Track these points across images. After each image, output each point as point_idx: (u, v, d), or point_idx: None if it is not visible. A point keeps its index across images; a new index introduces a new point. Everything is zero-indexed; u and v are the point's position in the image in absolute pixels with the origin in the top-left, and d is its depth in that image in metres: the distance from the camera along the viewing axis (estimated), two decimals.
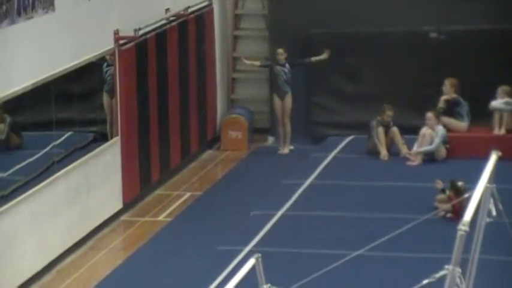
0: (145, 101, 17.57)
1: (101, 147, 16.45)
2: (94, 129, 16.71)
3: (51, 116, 15.28)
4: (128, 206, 17.22)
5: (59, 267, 14.80)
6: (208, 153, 20.40)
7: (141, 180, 17.58)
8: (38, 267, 14.40)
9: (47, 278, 14.46)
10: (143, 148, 17.54)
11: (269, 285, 8.99)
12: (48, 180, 14.77)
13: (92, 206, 16.00)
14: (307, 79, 20.52)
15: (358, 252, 9.73)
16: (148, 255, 15.07)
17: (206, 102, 20.41)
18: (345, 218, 15.84)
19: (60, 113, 15.48)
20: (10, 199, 13.87)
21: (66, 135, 15.69)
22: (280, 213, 16.20)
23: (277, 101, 19.73)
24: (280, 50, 19.68)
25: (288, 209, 16.41)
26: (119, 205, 16.98)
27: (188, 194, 17.99)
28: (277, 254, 13.39)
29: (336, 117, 20.49)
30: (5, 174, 14.00)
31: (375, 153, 18.98)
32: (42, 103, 14.87)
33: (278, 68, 19.63)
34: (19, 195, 14.07)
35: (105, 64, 16.66)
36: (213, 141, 20.82)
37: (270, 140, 20.76)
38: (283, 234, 15.38)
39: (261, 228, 15.48)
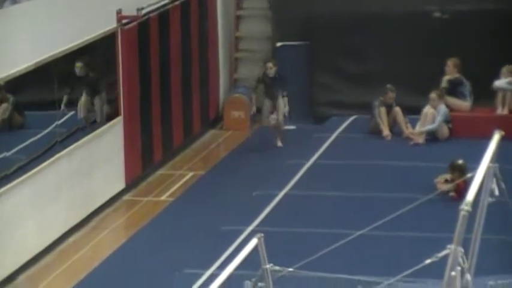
0: (147, 80, 17.60)
1: (104, 127, 16.49)
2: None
3: (53, 95, 15.32)
4: (130, 186, 17.27)
5: (61, 247, 14.87)
6: (210, 133, 20.45)
7: (144, 160, 17.63)
8: (40, 248, 14.46)
9: (49, 258, 14.51)
10: (145, 128, 17.58)
11: (271, 264, 9.03)
12: (50, 160, 14.82)
13: (94, 186, 16.05)
14: (311, 59, 20.53)
15: (361, 232, 9.75)
16: (150, 235, 15.14)
17: (208, 82, 20.43)
18: (347, 197, 15.88)
19: (63, 92, 15.53)
20: (13, 179, 13.93)
21: (68, 115, 15.72)
22: (283, 193, 16.24)
23: (266, 102, 19.32)
24: (270, 64, 19.29)
25: (291, 189, 16.45)
26: (121, 185, 17.03)
27: (191, 174, 18.03)
28: (279, 234, 13.42)
29: (338, 97, 20.50)
30: (8, 154, 14.04)
31: (377, 133, 18.99)
32: (45, 83, 14.90)
33: (268, 80, 19.21)
34: (22, 174, 14.12)
35: (78, 77, 16.05)
36: (215, 120, 20.86)
37: (273, 119, 20.77)
38: (286, 214, 15.41)
39: (263, 208, 15.52)
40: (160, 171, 18.24)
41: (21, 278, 13.86)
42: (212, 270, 12.90)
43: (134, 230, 15.49)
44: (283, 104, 19.17)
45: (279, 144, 19.26)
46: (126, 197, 17.05)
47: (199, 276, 12.86)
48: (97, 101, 16.36)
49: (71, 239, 15.17)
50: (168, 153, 18.62)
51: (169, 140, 18.55)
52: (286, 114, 19.30)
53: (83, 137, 15.82)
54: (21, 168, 14.18)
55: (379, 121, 19.03)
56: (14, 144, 14.28)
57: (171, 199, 16.87)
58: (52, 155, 14.87)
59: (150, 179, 17.91)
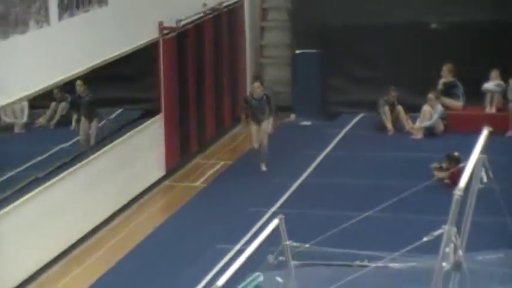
0: (184, 82, 17.61)
1: (147, 122, 16.52)
2: (141, 106, 16.76)
3: (104, 95, 15.36)
4: (169, 172, 17.29)
5: (108, 227, 14.86)
6: (238, 128, 20.42)
7: (181, 150, 17.65)
8: (91, 226, 14.48)
9: (96, 236, 14.53)
10: (183, 123, 17.60)
11: (290, 241, 9.04)
12: (102, 151, 14.84)
13: (139, 172, 16.08)
14: (324, 64, 20.49)
15: (367, 214, 9.75)
16: (186, 216, 15.15)
17: (237, 83, 20.42)
18: (355, 184, 15.86)
19: (112, 92, 15.56)
20: (70, 166, 13.97)
21: (117, 112, 15.75)
22: (299, 180, 16.25)
23: (253, 126, 17.03)
24: (257, 84, 17.06)
25: (307, 177, 16.46)
26: (162, 172, 17.05)
27: (221, 163, 18.03)
28: (297, 215, 13.42)
29: (348, 97, 20.45)
30: (66, 145, 14.09)
31: (381, 128, 18.99)
32: (97, 84, 14.93)
33: (254, 102, 16.86)
34: (76, 163, 14.16)
35: (77, 95, 15.21)
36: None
37: (292, 116, 20.76)
38: (303, 198, 15.42)
39: (283, 193, 15.53)
40: (195, 160, 18.25)
41: (75, 252, 13.90)
42: (240, 246, 12.91)
43: (172, 211, 15.51)
44: (268, 127, 16.93)
45: (263, 168, 16.93)
46: (166, 182, 17.07)
47: (229, 250, 12.88)
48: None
49: (117, 219, 15.19)
50: (202, 144, 18.64)
51: (203, 133, 18.56)
52: (269, 132, 17.02)
53: (129, 130, 15.84)
54: (76, 158, 14.22)
55: (383, 118, 19.02)
56: (71, 137, 14.33)
57: (204, 185, 16.88)
58: (102, 147, 14.91)
59: (187, 167, 17.92)
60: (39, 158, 13.35)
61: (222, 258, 12.60)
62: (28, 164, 13.11)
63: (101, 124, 15.08)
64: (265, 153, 16.97)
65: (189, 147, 18.03)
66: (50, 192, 13.34)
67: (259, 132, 16.85)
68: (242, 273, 8.34)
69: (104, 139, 15.00)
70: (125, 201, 15.55)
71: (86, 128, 14.74)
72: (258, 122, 16.81)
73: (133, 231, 14.61)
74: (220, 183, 16.82)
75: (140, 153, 16.11)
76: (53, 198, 13.40)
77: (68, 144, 14.09)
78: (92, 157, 14.47)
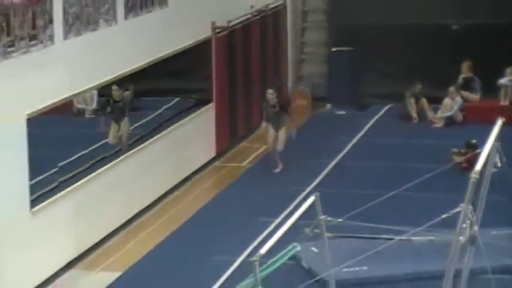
0: (233, 75, 17.63)
1: (200, 110, 16.57)
2: (195, 96, 16.81)
3: (163, 85, 15.42)
4: (219, 154, 17.34)
5: (165, 200, 14.93)
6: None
7: (230, 135, 17.69)
8: (151, 200, 14.56)
9: (156, 208, 14.59)
10: (232, 111, 17.64)
11: (325, 216, 9.05)
12: (160, 134, 14.92)
13: (192, 154, 16.15)
14: (356, 60, 20.43)
15: (393, 193, 9.73)
16: (233, 193, 15.18)
17: (280, 76, 20.41)
18: (384, 166, 15.81)
19: (170, 83, 15.62)
20: (132, 148, 14.05)
21: (174, 101, 15.81)
22: (333, 162, 16.24)
23: (271, 130, 15.88)
24: (270, 90, 15.81)
25: (341, 159, 16.44)
26: (212, 154, 17.11)
27: (265, 146, 18.05)
28: (331, 193, 13.39)
29: (377, 89, 20.36)
30: (130, 129, 14.17)
31: (407, 118, 18.92)
32: (157, 76, 15.00)
33: (269, 109, 15.77)
34: (139, 145, 14.24)
35: (112, 100, 13.99)
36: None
37: (328, 106, 20.71)
38: (337, 178, 15.40)
39: (320, 173, 15.51)
40: (242, 144, 18.27)
41: (138, 221, 13.99)
42: (280, 219, 12.93)
43: (221, 188, 15.56)
44: (283, 135, 15.80)
45: (278, 169, 15.82)
46: (216, 163, 17.12)
47: (271, 223, 12.90)
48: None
49: (175, 193, 15.26)
50: (248, 130, 18.66)
51: (249, 120, 18.58)
52: (283, 147, 15.84)
53: (184, 117, 15.90)
54: (139, 140, 14.30)
55: (409, 108, 18.96)
56: (134, 122, 14.40)
57: (249, 165, 16.91)
58: (160, 131, 14.98)
59: (234, 149, 17.95)
60: (107, 140, 13.44)
61: (265, 230, 12.62)
62: (97, 145, 13.21)
63: (157, 113, 15.14)
64: (277, 157, 15.80)
65: (237, 132, 18.06)
66: (115, 170, 13.44)
67: (275, 138, 15.77)
68: (282, 243, 8.34)
69: (162, 124, 15.06)
70: (180, 179, 15.62)
71: (115, 131, 13.82)
72: (275, 126, 15.75)
73: (188, 205, 14.68)
74: (264, 164, 16.84)
75: (193, 137, 16.17)
76: (118, 175, 13.50)
77: (131, 128, 14.17)
78: (151, 140, 14.54)
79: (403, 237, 9.91)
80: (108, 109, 13.69)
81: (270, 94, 15.69)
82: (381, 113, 19.70)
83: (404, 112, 19.04)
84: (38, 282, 11.49)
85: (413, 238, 11.25)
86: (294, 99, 20.62)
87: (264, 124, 15.92)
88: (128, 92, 14.28)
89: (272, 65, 19.76)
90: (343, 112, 20.16)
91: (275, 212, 13.37)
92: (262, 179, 15.78)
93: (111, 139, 13.74)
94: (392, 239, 10.14)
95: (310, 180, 15.07)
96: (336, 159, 16.38)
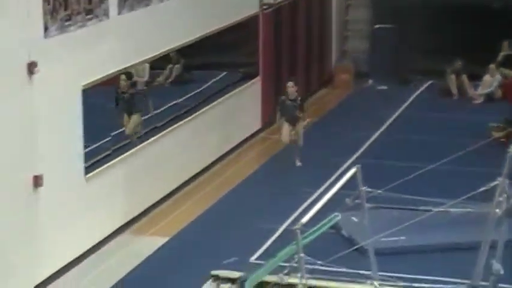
0: (279, 50, 17.61)
1: (247, 84, 16.60)
2: (242, 70, 16.83)
3: (211, 59, 15.46)
4: (264, 126, 17.36)
5: (213, 169, 14.99)
6: (324, 90, 20.39)
7: (275, 108, 17.66)
8: (197, 169, 14.64)
9: (204, 176, 14.67)
10: (277, 85, 17.63)
11: (365, 187, 9.05)
12: (208, 106, 14.97)
13: (239, 125, 16.20)
14: (398, 36, 20.29)
15: (433, 166, 9.71)
16: (277, 163, 15.21)
17: (324, 52, 20.34)
18: (424, 140, 15.74)
19: (218, 57, 15.65)
20: (181, 119, 14.13)
21: (222, 75, 15.85)
22: (376, 135, 16.20)
23: (286, 125, 14.64)
24: (291, 83, 14.55)
25: (382, 132, 16.39)
26: (258, 126, 17.14)
27: (308, 120, 18.02)
28: (372, 165, 13.36)
29: (419, 66, 20.21)
30: (179, 100, 14.25)
31: (448, 94, 18.78)
32: (206, 50, 15.04)
33: (288, 102, 14.49)
34: (188, 116, 14.31)
35: (120, 90, 12.78)
36: (328, 81, 20.78)
37: (370, 81, 20.61)
38: (377, 150, 15.36)
39: (362, 145, 15.49)
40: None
41: (186, 189, 14.08)
42: (322, 190, 12.95)
43: (266, 158, 15.61)
44: (301, 128, 14.69)
45: (298, 163, 14.61)
46: (262, 134, 17.16)
47: (313, 193, 12.93)
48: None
49: (222, 162, 15.32)
50: None
51: None
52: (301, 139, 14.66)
53: (231, 90, 15.93)
54: (187, 112, 14.37)
55: (449, 84, 18.82)
56: (184, 94, 14.47)
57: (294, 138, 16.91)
58: (209, 103, 15.03)
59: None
60: (158, 111, 13.54)
61: (307, 200, 12.65)
62: (148, 115, 13.31)
63: (206, 86, 15.18)
64: (299, 149, 14.70)
65: None
66: (165, 140, 13.54)
67: (291, 132, 14.60)
68: (323, 213, 8.37)
69: (210, 98, 15.10)
70: (226, 150, 15.68)
71: (126, 123, 12.71)
72: (292, 119, 14.44)
73: (233, 175, 14.75)
74: (307, 136, 16.84)
75: (240, 109, 16.21)
76: (167, 145, 13.60)
77: (181, 100, 14.24)
78: (199, 112, 14.60)
79: (441, 209, 9.89)
80: (117, 100, 12.57)
81: (291, 87, 14.40)
82: (422, 88, 19.57)
83: (445, 88, 18.90)
84: (91, 245, 11.65)
85: (451, 210, 11.21)
86: (337, 74, 20.62)
87: (280, 119, 14.61)
88: (178, 65, 14.34)
89: (317, 41, 19.70)
90: (385, 87, 20.06)
91: (317, 182, 13.39)
92: (305, 150, 15.79)
93: (126, 130, 12.72)
94: (430, 210, 10.12)
95: (351, 152, 15.04)
96: (377, 133, 16.33)
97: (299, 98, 14.52)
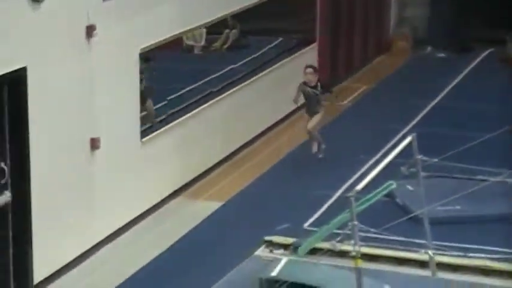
0: (336, 17, 17.53)
1: (303, 50, 16.55)
2: (297, 36, 16.78)
3: (268, 25, 15.44)
4: (320, 93, 17.27)
5: (265, 137, 14.96)
6: (381, 57, 20.26)
7: (331, 75, 17.65)
8: (247, 139, 14.63)
9: (253, 146, 14.59)
10: (333, 51, 17.58)
11: (421, 156, 9.02)
12: (263, 73, 14.97)
13: (294, 92, 16.14)
14: (458, 4, 20.04)
15: (491, 135, 9.64)
16: (334, 129, 15.18)
17: (382, 19, 20.18)
18: (481, 108, 15.57)
19: (275, 23, 15.62)
20: (237, 84, 14.16)
21: (278, 41, 15.82)
22: (433, 103, 16.08)
23: (306, 116, 13.66)
24: (309, 70, 13.24)
25: (440, 100, 16.28)
26: None
27: (364, 87, 17.99)
28: (428, 134, 13.28)
29: (479, 33, 19.95)
30: (235, 66, 14.27)
31: (508, 62, 18.55)
32: (262, 16, 15.02)
33: (309, 90, 13.18)
34: (244, 81, 14.33)
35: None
36: (385, 48, 20.63)
37: (429, 49, 20.42)
38: (434, 118, 15.26)
39: (418, 113, 15.38)
40: (343, 84, 18.22)
41: (234, 158, 14.12)
42: (377, 157, 12.91)
43: (323, 125, 15.58)
44: (320, 117, 13.45)
45: (318, 151, 13.46)
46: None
47: (368, 161, 12.89)
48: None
49: (273, 131, 15.31)
50: (349, 70, 18.58)
51: (350, 60, 18.50)
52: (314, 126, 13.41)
53: (287, 57, 15.90)
54: (243, 77, 14.40)
55: (510, 53, 18.60)
56: (240, 60, 14.49)
57: (350, 104, 16.89)
58: (265, 69, 15.03)
59: (335, 89, 17.88)
60: (213, 76, 13.59)
61: (362, 167, 12.63)
62: (205, 80, 13.37)
63: (262, 51, 15.17)
64: (317, 140, 13.51)
65: (338, 72, 18.00)
66: (219, 105, 13.59)
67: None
68: (378, 180, 8.36)
69: (265, 64, 15.10)
70: (281, 116, 15.69)
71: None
72: (311, 112, 13.29)
73: (287, 141, 14.77)
74: (363, 103, 16.80)
75: (295, 76, 16.16)
76: (222, 110, 13.65)
77: (237, 65, 14.27)
78: (256, 77, 14.61)
79: (498, 179, 9.81)
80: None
81: (309, 74, 13.07)
82: (481, 56, 19.33)
83: (505, 57, 18.65)
84: (145, 208, 11.80)
85: (508, 180, 11.12)
86: (395, 41, 20.47)
87: (298, 100, 13.40)
88: (235, 30, 14.37)
89: (375, 7, 19.54)
90: (443, 55, 19.86)
91: (373, 149, 13.34)
92: (362, 117, 15.75)
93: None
94: (487, 180, 10.06)
95: (407, 120, 14.95)
96: (435, 100, 16.19)
97: (319, 85, 13.14)
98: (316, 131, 13.41)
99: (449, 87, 17.08)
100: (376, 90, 17.62)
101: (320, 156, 13.39)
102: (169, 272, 10.09)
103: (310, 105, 13.24)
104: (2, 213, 9.36)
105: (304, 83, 13.10)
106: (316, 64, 16.81)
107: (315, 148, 13.38)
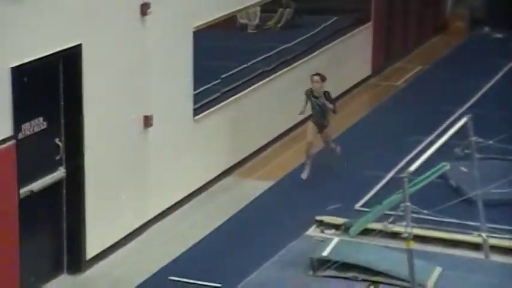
0: None
1: (358, 29, 16.47)
2: (353, 15, 16.69)
3: (323, 4, 15.38)
4: (374, 73, 17.26)
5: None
6: (437, 38, 20.08)
7: (386, 54, 17.55)
8: (300, 119, 14.56)
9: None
10: (388, 31, 17.47)
11: (476, 137, 8.94)
12: (318, 52, 14.94)
13: (348, 71, 16.14)
14: None
15: None
16: (386, 111, 15.14)
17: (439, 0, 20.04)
18: None
19: (330, 2, 15.56)
20: (291, 63, 14.15)
21: (332, 20, 15.75)
22: (489, 84, 15.90)
23: (310, 124, 12.22)
24: (316, 78, 12.08)
25: (497, 81, 16.10)
26: (368, 72, 17.04)
27: (419, 67, 17.86)
28: (484, 116, 13.15)
29: None
30: (289, 45, 14.24)
31: None
32: None
33: (313, 100, 12.07)
34: (298, 60, 14.31)
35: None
36: (442, 28, 20.43)
37: (486, 29, 20.16)
38: (490, 100, 15.09)
39: (474, 94, 15.23)
40: (397, 64, 18.12)
41: (288, 136, 14.14)
42: (431, 138, 12.82)
43: (375, 105, 15.55)
44: (331, 133, 12.34)
45: (303, 176, 11.97)
46: (371, 81, 17.07)
47: (422, 142, 12.81)
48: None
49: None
50: (404, 51, 18.46)
51: (405, 40, 18.36)
52: (337, 150, 12.40)
53: (342, 36, 15.83)
54: (297, 56, 14.36)
55: None
56: (294, 39, 14.46)
57: (403, 84, 16.78)
58: (319, 48, 15.00)
59: (390, 68, 17.83)
60: (267, 55, 13.58)
61: (415, 148, 12.55)
62: (258, 59, 13.37)
63: (316, 30, 15.12)
64: (333, 153, 12.38)
65: (393, 52, 17.89)
66: (273, 83, 13.61)
67: (318, 135, 12.22)
68: (431, 161, 8.31)
69: (319, 43, 15.05)
70: (337, 94, 15.61)
71: None
72: (318, 124, 12.13)
73: (341, 120, 14.70)
74: (417, 83, 16.69)
75: (350, 55, 16.12)
76: (275, 88, 13.67)
77: (291, 44, 14.24)
78: (309, 56, 14.58)
79: None
80: None
81: (316, 82, 12.02)
82: None
83: None
84: (197, 186, 11.88)
85: None
86: (452, 21, 20.26)
87: (305, 110, 12.24)
88: (289, 9, 14.33)
89: None
90: (501, 36, 19.59)
91: (426, 130, 13.25)
92: (415, 98, 15.66)
93: None
94: None
95: (462, 101, 14.81)
96: (490, 83, 16.00)
97: (324, 95, 12.02)
98: (330, 144, 12.25)
99: (506, 68, 16.85)
100: (431, 70, 17.48)
101: (303, 177, 11.92)
102: (220, 251, 10.15)
103: (315, 117, 12.11)
104: (56, 189, 9.49)
105: (310, 91, 12.08)
106: (370, 45, 16.77)
107: (305, 174, 11.93)
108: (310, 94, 12.09)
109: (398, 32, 17.92)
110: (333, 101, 12.15)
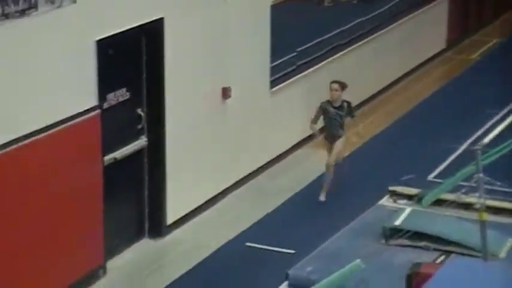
0: None
1: (434, 3, 16.39)
2: None
3: None
4: (449, 46, 17.17)
5: (394, 88, 15.01)
6: None
7: (461, 28, 17.44)
8: (378, 88, 14.74)
9: (385, 94, 14.70)
10: (464, 4, 17.35)
11: None
12: (393, 25, 14.94)
13: (423, 44, 16.10)
14: None
15: None
16: (461, 83, 15.08)
17: None
18: None
19: None
20: (365, 37, 14.18)
21: None
22: None
23: (328, 146, 11.33)
24: (335, 85, 11.18)
25: None
26: (442, 45, 16.97)
27: (495, 40, 17.70)
28: None
29: None
30: (364, 19, 14.26)
31: None
32: None
33: (332, 110, 11.15)
34: (371, 34, 14.32)
35: None
36: None
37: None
38: None
39: None
40: (474, 37, 17.98)
41: (366, 107, 14.21)
42: (506, 111, 12.77)
43: (450, 78, 15.52)
44: (342, 146, 11.31)
45: (322, 198, 11.01)
46: (447, 54, 17.00)
47: (497, 114, 12.76)
48: None
49: (404, 81, 15.32)
50: (480, 24, 18.30)
51: (481, 13, 18.21)
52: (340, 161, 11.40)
53: (417, 9, 15.78)
54: (371, 30, 14.37)
55: None
56: (369, 12, 14.47)
57: (479, 58, 16.68)
58: (394, 22, 14.98)
59: (465, 42, 17.70)
60: (342, 28, 13.66)
61: (490, 121, 12.53)
62: (333, 33, 13.45)
63: (392, 4, 15.07)
64: (340, 167, 11.30)
65: (468, 26, 17.76)
66: (348, 56, 13.68)
67: (331, 152, 11.21)
68: (506, 134, 8.34)
69: (395, 16, 15.04)
70: (410, 68, 15.66)
71: None
72: (333, 137, 11.21)
73: (416, 93, 14.77)
74: (493, 57, 16.55)
75: (425, 28, 16.08)
76: (351, 62, 13.73)
77: (366, 18, 14.28)
78: (384, 30, 14.60)
79: None
80: None
81: (335, 90, 11.16)
82: None
83: None
84: (273, 157, 12.07)
85: None
86: None
87: (314, 128, 11.33)
88: None
89: None
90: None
91: (502, 103, 13.20)
92: (489, 70, 15.57)
93: None
94: None
95: None
96: None
97: (346, 105, 11.22)
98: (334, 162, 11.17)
99: None
100: (507, 43, 17.30)
101: (322, 199, 11.00)
102: (294, 220, 10.36)
103: (331, 128, 11.19)
104: (138, 157, 9.82)
105: (328, 102, 11.20)
106: (445, 19, 16.65)
107: (323, 196, 11.02)
108: (326, 106, 11.11)
109: (474, 5, 17.78)
110: (352, 111, 11.32)
